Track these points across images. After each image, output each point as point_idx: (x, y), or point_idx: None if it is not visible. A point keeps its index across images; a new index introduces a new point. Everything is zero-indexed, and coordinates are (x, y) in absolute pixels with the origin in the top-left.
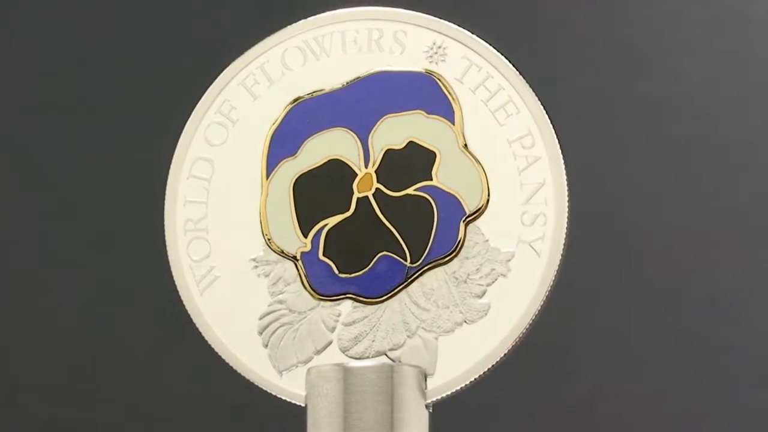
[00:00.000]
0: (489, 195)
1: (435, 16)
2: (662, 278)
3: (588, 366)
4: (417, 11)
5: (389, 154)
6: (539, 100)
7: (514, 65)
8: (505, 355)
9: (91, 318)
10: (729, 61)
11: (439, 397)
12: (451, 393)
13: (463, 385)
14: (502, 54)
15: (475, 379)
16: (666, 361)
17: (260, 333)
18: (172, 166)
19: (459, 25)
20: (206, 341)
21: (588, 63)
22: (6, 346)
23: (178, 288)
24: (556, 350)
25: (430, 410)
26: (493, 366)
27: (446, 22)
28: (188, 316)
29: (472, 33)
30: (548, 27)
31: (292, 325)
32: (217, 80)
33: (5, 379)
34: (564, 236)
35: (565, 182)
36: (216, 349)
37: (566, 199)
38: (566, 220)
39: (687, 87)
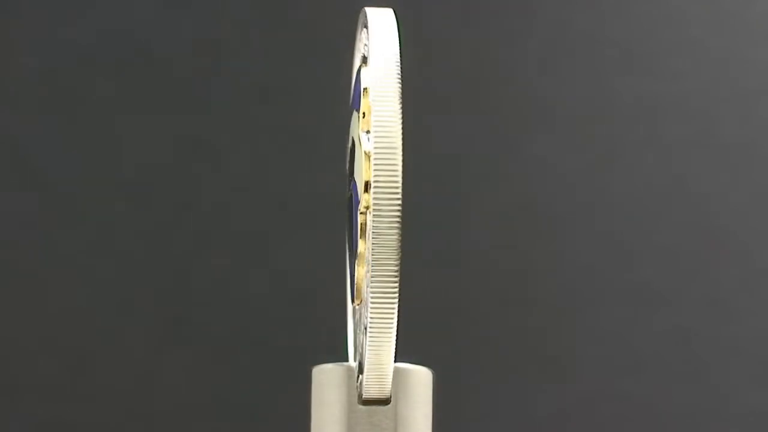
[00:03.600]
0: (371, 179)
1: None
2: (662, 278)
3: (588, 366)
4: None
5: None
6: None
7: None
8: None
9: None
10: (729, 61)
11: (371, 394)
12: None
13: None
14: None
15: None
16: (666, 361)
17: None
18: None
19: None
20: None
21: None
22: (9, 346)
23: (348, 308)
24: (556, 350)
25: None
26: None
27: (371, 9)
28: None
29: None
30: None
31: (356, 336)
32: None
33: (5, 379)
34: (366, 205)
35: (372, 152)
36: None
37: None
38: (362, 188)
39: (685, 87)
